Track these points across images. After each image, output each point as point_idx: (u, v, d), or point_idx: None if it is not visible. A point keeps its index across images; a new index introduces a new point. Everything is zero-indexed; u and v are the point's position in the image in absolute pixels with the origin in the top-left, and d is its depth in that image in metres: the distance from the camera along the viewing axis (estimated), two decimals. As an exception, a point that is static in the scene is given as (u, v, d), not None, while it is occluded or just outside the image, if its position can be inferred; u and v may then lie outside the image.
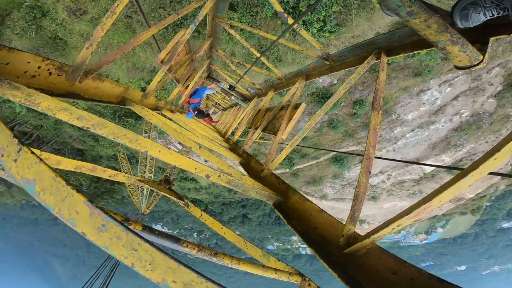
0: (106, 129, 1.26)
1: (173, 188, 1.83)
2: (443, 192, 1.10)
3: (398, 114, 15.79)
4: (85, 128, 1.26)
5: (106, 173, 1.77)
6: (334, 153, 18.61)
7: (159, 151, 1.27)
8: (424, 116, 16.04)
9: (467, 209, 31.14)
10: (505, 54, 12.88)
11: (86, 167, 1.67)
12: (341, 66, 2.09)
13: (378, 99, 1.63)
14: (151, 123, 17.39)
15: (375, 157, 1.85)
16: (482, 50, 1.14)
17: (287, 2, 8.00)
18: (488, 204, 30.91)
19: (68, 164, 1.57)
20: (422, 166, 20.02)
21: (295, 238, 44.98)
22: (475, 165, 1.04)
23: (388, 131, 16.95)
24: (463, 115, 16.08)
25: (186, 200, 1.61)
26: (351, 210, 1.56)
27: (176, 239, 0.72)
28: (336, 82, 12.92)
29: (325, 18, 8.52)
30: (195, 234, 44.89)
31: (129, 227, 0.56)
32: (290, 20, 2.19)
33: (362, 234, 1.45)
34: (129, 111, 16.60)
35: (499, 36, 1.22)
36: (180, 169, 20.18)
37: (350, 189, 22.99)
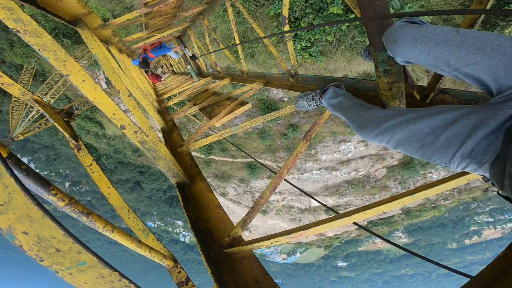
0: (37, 39, 1.01)
1: (71, 123, 1.52)
2: (320, 225, 1.33)
3: (317, 151, 17.92)
4: (14, 31, 0.99)
5: (0, 79, 1.35)
6: (251, 160, 19.51)
7: (83, 81, 1.04)
8: (333, 161, 18.69)
9: (323, 243, 37.66)
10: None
11: None
12: (301, 89, 2.21)
13: (312, 132, 1.78)
14: (87, 52, 14.72)
15: (284, 179, 2.00)
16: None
17: (295, 11, 8.12)
18: (338, 244, 38.23)
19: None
20: (311, 200, 23.21)
21: (180, 223, 44.42)
22: (349, 213, 1.30)
23: (302, 161, 18.98)
24: (359, 172, 19.53)
25: (80, 142, 1.35)
26: (245, 215, 1.62)
27: (44, 182, 0.56)
28: (286, 100, 13.68)
29: (315, 41, 8.90)
30: (67, 184, 38.37)
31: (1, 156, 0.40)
32: (287, 28, 2.19)
33: (245, 240, 1.54)
34: (71, 32, 14.59)
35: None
36: (89, 107, 17.69)
37: (249, 196, 24.48)
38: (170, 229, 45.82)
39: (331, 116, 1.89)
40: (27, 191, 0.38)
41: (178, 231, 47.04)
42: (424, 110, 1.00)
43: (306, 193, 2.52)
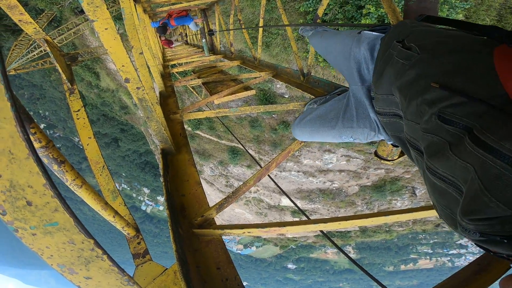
0: None
1: (72, 68, 1.45)
2: (294, 225, 1.34)
3: (301, 154, 18.13)
4: None
5: (21, 16, 1.33)
6: (235, 145, 19.44)
7: (106, 29, 0.95)
8: (313, 168, 19.02)
9: (280, 243, 38.81)
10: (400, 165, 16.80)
11: (7, 1, 1.25)
12: (308, 89, 2.16)
13: (310, 134, 1.75)
14: (112, 6, 14.42)
15: (268, 174, 1.97)
16: (401, 155, 1.40)
17: (326, 13, 8.06)
18: (293, 246, 39.53)
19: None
20: (281, 198, 23.64)
21: (147, 191, 43.59)
22: (324, 220, 1.33)
23: (284, 160, 19.15)
24: (333, 184, 20.05)
25: (75, 86, 1.24)
26: (223, 199, 1.58)
27: (27, 117, 0.46)
28: (287, 96, 13.61)
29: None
30: (42, 125, 36.50)
31: None
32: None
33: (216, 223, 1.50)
34: None
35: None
36: (93, 58, 17.39)
37: (223, 180, 24.51)
38: (134, 195, 44.87)
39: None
40: (21, 122, 0.29)
41: (142, 199, 46.10)
42: (324, 106, 1.38)
43: (284, 192, 2.51)
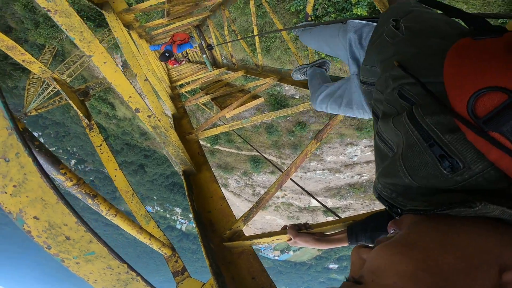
0: (66, 19, 1.01)
1: (85, 103, 1.52)
2: (322, 227, 1.32)
3: (323, 151, 17.79)
4: (45, 9, 0.97)
5: (23, 57, 1.39)
6: (255, 154, 19.50)
7: (105, 62, 1.03)
8: (338, 163, 18.55)
9: (317, 244, 37.68)
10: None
11: (5, 43, 1.30)
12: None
13: (324, 132, 1.74)
14: (108, 36, 14.99)
15: (290, 178, 1.97)
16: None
17: (316, 9, 8.02)
18: (331, 246, 38.24)
19: (-13, 32, 1.17)
20: (311, 199, 23.21)
21: (179, 210, 44.79)
22: (354, 218, 1.30)
23: (306, 160, 18.89)
24: (362, 177, 19.36)
25: (93, 122, 1.34)
26: (249, 210, 1.60)
27: (55, 160, 0.54)
28: (297, 97, 13.54)
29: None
30: (73, 162, 38.95)
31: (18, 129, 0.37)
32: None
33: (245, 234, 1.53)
34: (94, 16, 15.03)
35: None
36: (104, 88, 18.18)
37: (249, 190, 24.56)
38: (168, 216, 46.23)
39: (343, 118, 1.88)
40: (44, 173, 0.36)
41: (175, 218, 47.41)
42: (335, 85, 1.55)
43: (308, 193, 2.49)
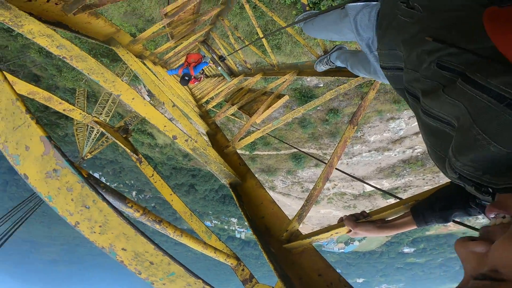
0: (84, 63, 1.14)
1: (129, 139, 1.68)
2: (382, 213, 1.24)
3: (364, 133, 16.85)
4: (61, 57, 1.13)
5: (61, 106, 1.55)
6: (295, 151, 19.27)
7: (133, 99, 1.15)
8: (384, 141, 17.37)
9: (384, 230, 35.34)
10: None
11: (41, 95, 1.44)
12: (336, 74, 2.10)
13: (358, 115, 1.67)
14: (126, 68, 15.93)
15: (336, 168, 1.92)
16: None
17: None
18: (401, 229, 35.49)
19: (23, 87, 1.34)
20: (364, 184, 21.98)
21: (235, 220, 46.32)
22: (416, 197, 1.18)
23: (349, 145, 18.05)
24: (416, 150, 17.81)
25: (140, 155, 1.49)
26: (300, 209, 1.60)
27: (121, 197, 0.63)
28: (322, 85, 13.14)
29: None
30: (134, 193, 42.98)
31: (88, 179, 0.46)
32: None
33: (302, 233, 1.52)
34: (106, 51, 15.71)
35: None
36: (140, 120, 19.36)
37: (298, 187, 24.27)
38: (226, 227, 48.08)
39: (376, 95, 1.77)
40: (119, 212, 0.44)
41: (233, 228, 49.07)
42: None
43: (356, 178, 2.38)
